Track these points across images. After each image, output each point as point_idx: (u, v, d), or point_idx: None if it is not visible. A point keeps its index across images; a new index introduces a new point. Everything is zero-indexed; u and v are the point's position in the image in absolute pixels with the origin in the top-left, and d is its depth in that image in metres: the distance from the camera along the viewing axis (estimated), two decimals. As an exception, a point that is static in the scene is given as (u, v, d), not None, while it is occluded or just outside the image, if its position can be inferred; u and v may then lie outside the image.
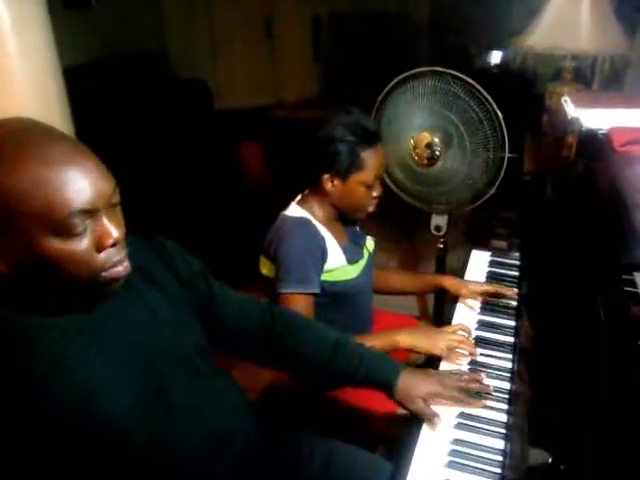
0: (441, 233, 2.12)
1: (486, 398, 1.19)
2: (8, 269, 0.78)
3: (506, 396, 1.20)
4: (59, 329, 0.84)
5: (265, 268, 1.53)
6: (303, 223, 1.47)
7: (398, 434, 1.42)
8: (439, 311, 2.10)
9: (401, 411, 1.46)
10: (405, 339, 1.37)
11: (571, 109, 1.38)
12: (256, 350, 1.20)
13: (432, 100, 1.89)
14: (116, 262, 0.83)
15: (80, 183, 0.78)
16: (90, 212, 0.80)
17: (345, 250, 1.52)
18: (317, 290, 1.44)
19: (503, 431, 1.12)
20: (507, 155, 1.86)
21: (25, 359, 0.79)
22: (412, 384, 1.16)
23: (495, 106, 1.81)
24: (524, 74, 2.51)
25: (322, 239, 1.47)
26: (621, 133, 1.17)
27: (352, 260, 1.54)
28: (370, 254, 1.64)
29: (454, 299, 1.61)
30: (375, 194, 1.51)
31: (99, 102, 3.10)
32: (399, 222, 2.18)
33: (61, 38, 1.90)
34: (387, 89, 1.96)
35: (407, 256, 2.51)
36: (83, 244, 0.80)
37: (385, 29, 4.39)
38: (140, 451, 0.88)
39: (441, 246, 2.18)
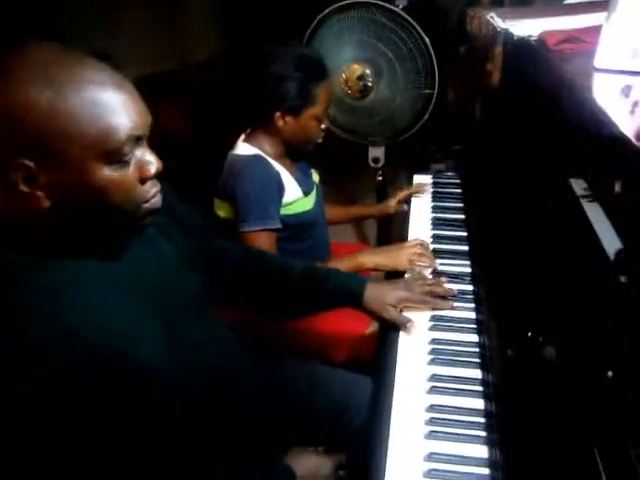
0: (379, 165, 2.17)
1: (452, 300, 1.26)
2: (51, 205, 0.75)
3: (471, 297, 1.28)
4: (86, 273, 0.81)
5: (222, 211, 1.53)
6: (256, 160, 1.47)
7: (369, 351, 1.48)
8: (384, 236, 2.18)
9: (370, 329, 1.53)
10: (368, 259, 1.42)
11: (499, 22, 1.44)
12: (234, 288, 1.24)
13: (360, 32, 1.91)
14: (155, 193, 0.83)
15: (132, 108, 0.77)
16: (138, 139, 0.79)
17: (299, 182, 1.54)
18: (278, 225, 1.46)
19: (475, 326, 1.19)
20: (436, 91, 1.92)
21: (54, 303, 0.76)
22: (380, 293, 1.21)
23: (422, 33, 1.85)
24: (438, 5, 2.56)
25: (277, 173, 1.48)
26: (552, 35, 1.24)
27: (306, 192, 1.56)
28: (317, 185, 1.67)
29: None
30: (324, 126, 1.53)
31: None
32: (337, 159, 2.20)
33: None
34: (313, 25, 1.96)
35: (347, 191, 2.56)
36: (130, 173, 0.79)
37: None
38: (164, 386, 0.88)
39: (380, 178, 2.23)
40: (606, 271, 0.81)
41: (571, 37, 1.18)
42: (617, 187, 0.78)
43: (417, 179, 1.86)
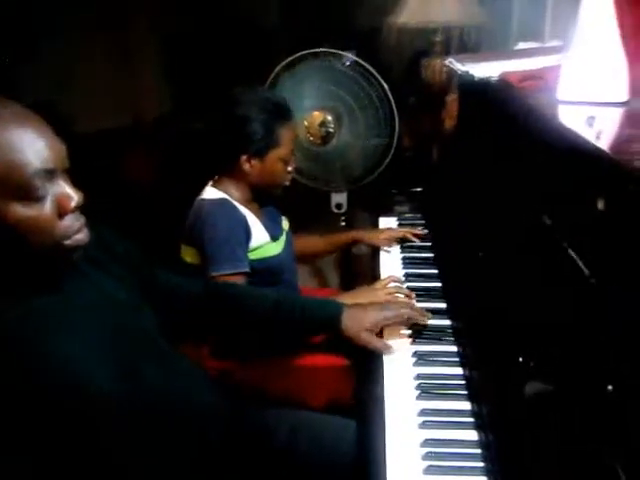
0: (342, 210, 2.19)
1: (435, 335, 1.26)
2: None
3: (450, 330, 1.28)
4: (25, 315, 0.79)
5: (188, 256, 1.49)
6: (223, 204, 1.46)
7: (347, 394, 1.45)
8: (348, 281, 2.18)
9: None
10: (349, 302, 1.40)
11: (459, 66, 1.50)
12: (202, 319, 1.22)
13: (320, 80, 1.96)
14: (78, 229, 0.81)
15: (38, 143, 0.76)
16: (50, 173, 0.77)
17: (266, 227, 1.52)
18: (247, 269, 1.43)
19: (457, 359, 1.19)
20: (395, 140, 1.97)
21: None
22: (358, 317, 1.20)
23: (380, 78, 1.91)
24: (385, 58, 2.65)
25: (244, 217, 1.47)
26: (513, 76, 1.29)
27: (274, 236, 1.55)
28: (287, 232, 1.66)
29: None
30: (290, 168, 1.53)
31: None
32: (300, 206, 2.21)
33: None
34: (273, 75, 2.00)
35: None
36: (46, 209, 0.78)
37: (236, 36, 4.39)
38: (122, 424, 0.86)
39: (343, 224, 2.25)
40: (583, 287, 0.83)
41: (529, 76, 1.23)
42: (600, 205, 0.80)
43: (383, 222, 1.87)
